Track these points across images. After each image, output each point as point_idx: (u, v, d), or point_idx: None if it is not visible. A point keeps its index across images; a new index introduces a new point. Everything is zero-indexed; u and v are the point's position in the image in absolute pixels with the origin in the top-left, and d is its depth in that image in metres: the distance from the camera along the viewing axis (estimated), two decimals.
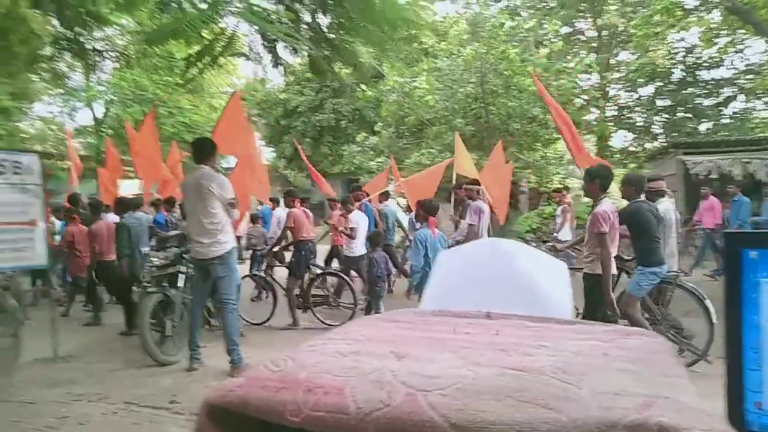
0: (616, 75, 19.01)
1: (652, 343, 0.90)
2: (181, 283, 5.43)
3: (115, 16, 5.91)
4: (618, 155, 17.34)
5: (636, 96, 19.20)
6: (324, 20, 5.70)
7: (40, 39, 6.18)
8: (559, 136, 15.92)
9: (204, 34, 5.18)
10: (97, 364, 5.20)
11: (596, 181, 4.52)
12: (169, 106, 17.10)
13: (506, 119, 13.90)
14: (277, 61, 5.63)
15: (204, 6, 5.00)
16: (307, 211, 7.37)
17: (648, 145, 18.44)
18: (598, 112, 17.62)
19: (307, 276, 6.84)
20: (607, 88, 18.40)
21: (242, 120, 7.39)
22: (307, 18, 5.62)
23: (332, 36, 5.82)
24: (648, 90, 18.69)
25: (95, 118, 18.65)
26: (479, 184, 7.72)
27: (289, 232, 6.74)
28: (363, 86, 16.51)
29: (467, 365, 0.70)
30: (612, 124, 18.42)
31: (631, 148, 18.77)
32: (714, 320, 4.58)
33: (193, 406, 3.96)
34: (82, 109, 19.03)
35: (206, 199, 4.68)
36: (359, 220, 7.41)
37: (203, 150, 4.89)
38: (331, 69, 6.06)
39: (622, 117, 19.18)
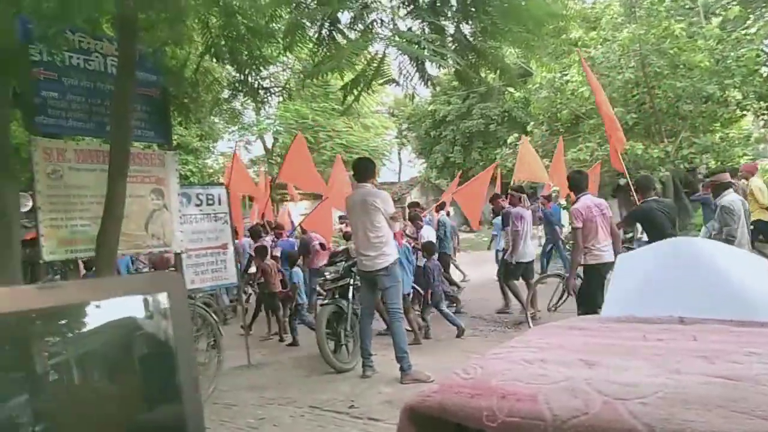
0: None
1: None
2: (351, 295, 5.80)
3: (278, 57, 6.53)
4: None
5: None
6: (467, 29, 5.71)
7: (220, 85, 7.06)
8: (744, 113, 14.02)
9: (357, 62, 5.50)
10: (283, 372, 5.75)
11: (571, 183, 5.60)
12: (327, 130, 18.39)
13: (675, 102, 12.59)
14: (425, 78, 5.75)
15: (354, 36, 5.33)
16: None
17: None
18: None
19: None
20: None
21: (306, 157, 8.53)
22: (451, 29, 5.68)
23: (477, 43, 5.80)
24: None
25: (266, 149, 20.76)
26: (523, 192, 8.05)
27: None
28: (510, 88, 16.14)
29: (665, 373, 0.66)
30: None
31: None
32: None
33: (370, 411, 4.19)
34: (255, 141, 21.30)
35: (371, 214, 4.96)
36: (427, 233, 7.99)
37: (364, 168, 5.20)
38: (477, 76, 6.04)
39: None
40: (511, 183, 9.52)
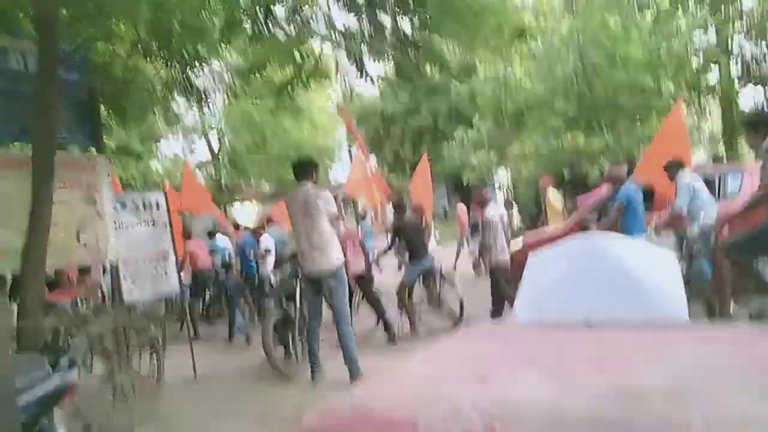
0: (739, 26, 17.00)
1: None
2: (298, 299, 5.66)
3: (213, 53, 6.31)
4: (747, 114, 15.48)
5: (765, 44, 17.03)
6: (406, 23, 5.69)
7: (154, 84, 6.79)
8: None
9: (294, 57, 5.39)
10: (230, 382, 5.57)
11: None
12: (274, 129, 18.07)
13: (613, 93, 13.00)
14: (363, 72, 5.70)
15: (291, 31, 5.22)
16: None
17: None
18: (719, 70, 15.88)
19: None
20: (729, 43, 16.54)
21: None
22: (388, 23, 5.64)
23: (416, 38, 5.78)
24: None
25: (211, 150, 20.23)
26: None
27: None
28: (456, 82, 16.31)
29: (556, 386, 0.62)
30: (737, 81, 16.51)
31: None
32: None
33: None
34: (200, 140, 20.71)
35: (313, 215, 4.84)
36: None
37: (304, 168, 5.07)
38: (418, 70, 6.03)
39: (749, 71, 17.13)
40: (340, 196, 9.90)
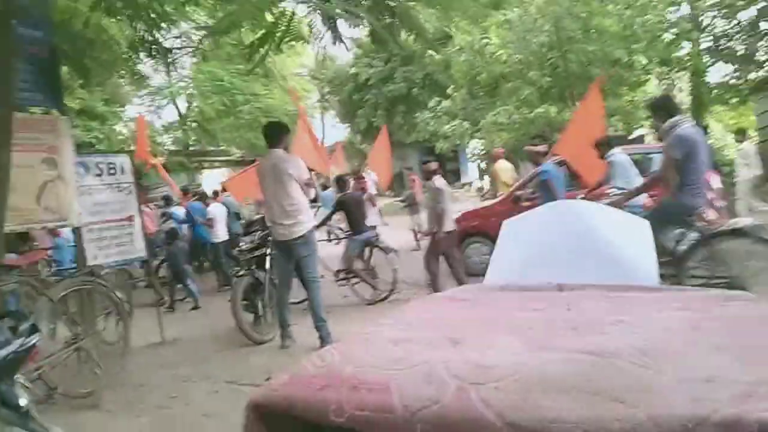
0: (710, 2, 17.19)
1: (761, 310, 0.75)
2: (268, 265, 5.64)
3: (180, 13, 6.07)
4: (716, 90, 15.80)
5: (735, 22, 17.27)
6: None
7: (119, 44, 6.51)
8: (648, 77, 14.78)
9: (266, 19, 5.21)
10: (198, 347, 5.55)
11: None
12: (244, 93, 17.63)
13: (586, 65, 13.05)
14: (337, 38, 5.57)
15: None
16: None
17: (752, 75, 16.62)
18: (690, 45, 16.08)
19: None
20: (700, 18, 16.72)
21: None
22: None
23: (392, 3, 5.66)
24: (750, 13, 16.72)
25: (179, 114, 19.66)
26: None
27: None
28: (431, 51, 16.11)
29: (530, 350, 0.62)
30: (707, 56, 16.76)
31: (732, 81, 17.00)
32: None
33: None
34: (167, 106, 20.10)
35: (284, 181, 4.78)
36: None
37: (275, 133, 4.98)
38: (393, 38, 5.91)
39: (719, 47, 17.40)
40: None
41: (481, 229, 7.27)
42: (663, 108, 4.84)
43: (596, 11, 12.53)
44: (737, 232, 4.45)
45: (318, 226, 7.30)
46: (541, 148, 6.59)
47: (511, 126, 14.00)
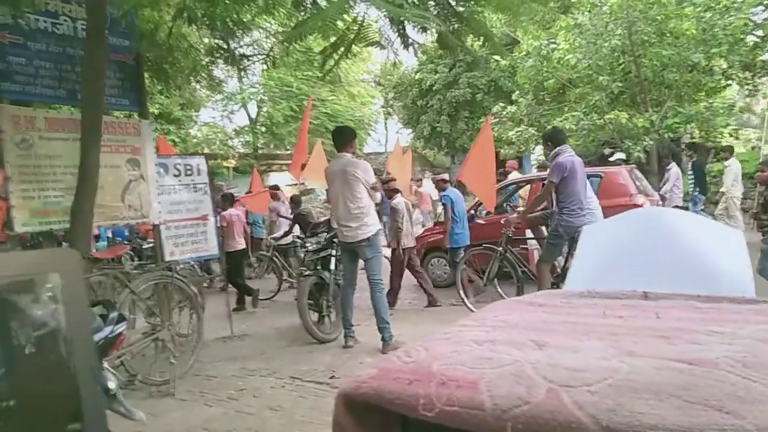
0: None
1: None
2: (332, 266, 5.75)
3: (256, 22, 6.32)
4: None
5: None
6: None
7: (198, 51, 6.85)
8: (728, 83, 13.98)
9: (337, 25, 5.33)
10: (265, 342, 5.74)
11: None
12: (313, 99, 18.07)
13: (661, 70, 12.48)
14: (406, 43, 5.61)
15: None
16: None
17: None
18: None
19: None
20: None
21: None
22: None
23: (461, 8, 5.65)
24: None
25: (250, 118, 20.40)
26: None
27: None
28: (497, 57, 15.91)
29: (619, 356, 0.61)
30: None
31: None
32: None
33: None
34: (239, 110, 20.92)
35: (351, 184, 4.88)
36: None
37: (344, 137, 5.09)
38: (460, 43, 5.89)
39: None
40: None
41: (441, 245, 7.71)
42: (551, 139, 5.59)
43: (673, 14, 11.98)
44: None
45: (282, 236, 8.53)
46: (444, 176, 7.88)
47: (579, 132, 13.58)
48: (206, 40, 6.98)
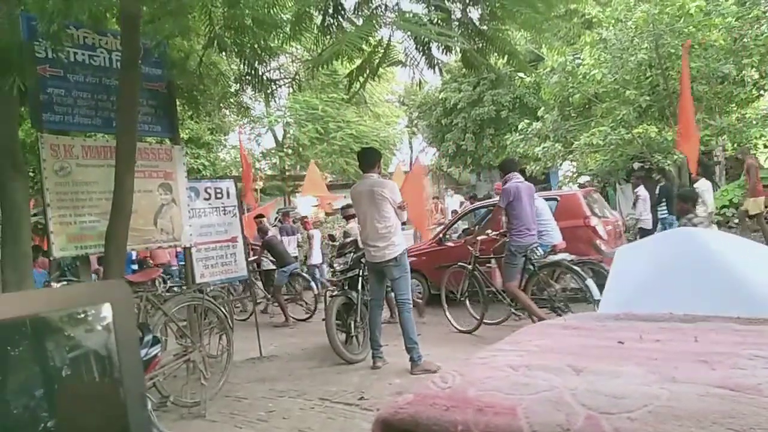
0: None
1: None
2: (360, 286, 5.77)
3: (283, 47, 6.47)
4: None
5: None
6: (475, 13, 5.60)
7: (227, 78, 7.04)
8: (761, 93, 13.68)
9: (363, 48, 5.42)
10: (294, 363, 5.75)
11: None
12: (337, 120, 18.30)
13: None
14: (432, 63, 5.67)
15: (360, 22, 5.24)
16: None
17: None
18: None
19: None
20: None
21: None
22: (458, 13, 5.57)
23: (484, 27, 5.69)
24: None
25: (276, 141, 20.74)
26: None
27: None
28: (521, 74, 15.91)
29: (659, 381, 0.61)
30: None
31: None
32: None
33: (380, 402, 4.17)
34: (266, 133, 21.30)
35: (379, 204, 4.91)
36: None
37: (370, 158, 5.14)
38: (485, 61, 5.92)
39: None
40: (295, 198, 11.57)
41: (413, 267, 7.75)
42: (502, 168, 6.27)
43: (700, 26, 11.83)
44: (554, 264, 5.68)
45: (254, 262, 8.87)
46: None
47: (606, 147, 13.44)
48: (234, 67, 7.17)
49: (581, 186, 11.64)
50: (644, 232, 10.36)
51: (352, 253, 6.09)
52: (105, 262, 4.59)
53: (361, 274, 5.78)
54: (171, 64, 5.49)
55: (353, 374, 5.09)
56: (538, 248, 5.90)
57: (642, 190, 10.43)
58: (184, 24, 4.97)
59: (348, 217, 8.22)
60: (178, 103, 5.97)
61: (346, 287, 5.86)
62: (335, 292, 5.87)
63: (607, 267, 5.73)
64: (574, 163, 16.29)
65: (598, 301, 5.29)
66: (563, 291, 5.84)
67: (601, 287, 5.30)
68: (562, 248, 6.10)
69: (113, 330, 0.54)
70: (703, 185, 10.03)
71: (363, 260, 5.67)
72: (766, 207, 9.19)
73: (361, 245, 5.53)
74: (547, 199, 7.69)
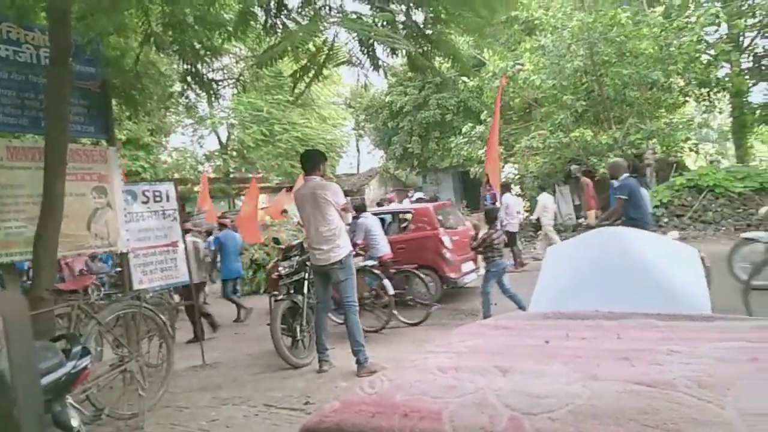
0: (751, 21, 16.84)
1: None
2: (306, 289, 5.70)
3: (226, 47, 6.31)
4: (759, 110, 15.37)
5: None
6: (419, 16, 5.66)
7: (168, 78, 6.80)
8: (686, 99, 14.54)
9: (309, 47, 5.36)
10: (237, 370, 5.62)
11: None
12: (282, 123, 18.07)
13: (622, 89, 12.92)
14: (376, 65, 5.68)
15: (305, 22, 5.19)
16: None
17: None
18: (730, 66, 15.72)
19: None
20: (740, 38, 16.38)
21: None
22: (402, 17, 5.61)
23: (429, 31, 5.75)
24: None
25: (220, 143, 20.26)
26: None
27: None
28: (465, 78, 16.22)
29: (582, 380, 0.62)
30: (748, 77, 16.36)
31: None
32: None
33: None
34: (209, 135, 20.76)
35: (322, 206, 4.86)
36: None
37: (312, 161, 5.09)
38: (430, 64, 5.98)
39: (761, 68, 16.96)
40: None
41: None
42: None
43: (631, 35, 12.45)
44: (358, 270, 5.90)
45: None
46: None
47: (546, 150, 13.90)
48: (175, 66, 6.93)
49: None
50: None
51: (297, 256, 6.01)
52: (33, 270, 4.34)
53: (306, 277, 5.72)
54: (105, 62, 5.23)
55: (299, 379, 5.03)
56: (368, 260, 6.84)
57: (506, 197, 11.20)
58: (120, 20, 4.77)
59: (222, 225, 8.64)
60: (114, 102, 5.71)
61: (292, 291, 5.78)
62: (280, 296, 5.76)
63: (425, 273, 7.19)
64: (516, 166, 16.75)
65: (392, 295, 6.43)
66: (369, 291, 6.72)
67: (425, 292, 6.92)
68: (389, 259, 7.02)
69: (4, 345, 0.50)
70: (544, 198, 11.31)
71: (308, 263, 5.61)
72: (596, 218, 10.29)
73: (306, 248, 5.46)
74: (403, 212, 9.24)
